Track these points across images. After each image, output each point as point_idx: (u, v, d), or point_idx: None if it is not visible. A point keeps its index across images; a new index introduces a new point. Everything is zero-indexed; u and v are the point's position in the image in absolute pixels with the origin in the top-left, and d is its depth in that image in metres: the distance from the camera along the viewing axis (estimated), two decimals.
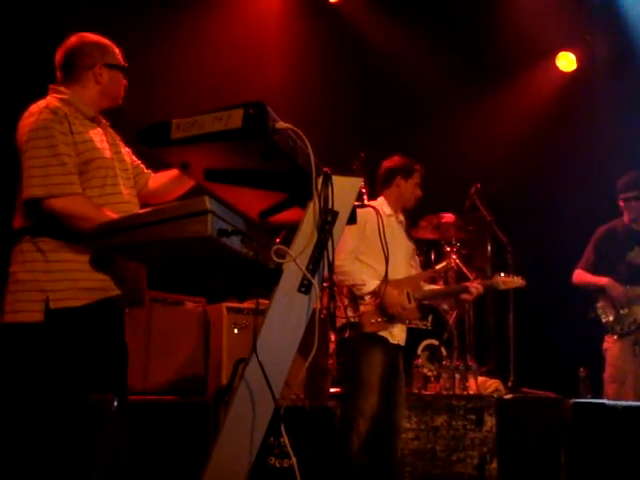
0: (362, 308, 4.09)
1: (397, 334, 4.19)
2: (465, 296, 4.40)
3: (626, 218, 5.09)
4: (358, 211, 4.25)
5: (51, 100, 2.76)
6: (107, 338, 2.73)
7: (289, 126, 2.21)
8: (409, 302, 4.17)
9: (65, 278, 2.63)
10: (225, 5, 6.18)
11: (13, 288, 2.69)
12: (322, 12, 6.68)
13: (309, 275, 2.35)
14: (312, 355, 2.32)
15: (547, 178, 7.02)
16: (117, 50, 2.94)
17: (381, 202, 4.33)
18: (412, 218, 6.00)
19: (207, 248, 2.24)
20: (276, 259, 2.29)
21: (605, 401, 1.66)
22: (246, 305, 4.47)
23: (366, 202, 5.06)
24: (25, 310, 2.63)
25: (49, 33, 3.20)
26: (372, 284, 4.05)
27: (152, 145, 2.24)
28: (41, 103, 2.74)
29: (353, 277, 4.09)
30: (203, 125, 2.16)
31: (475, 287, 4.40)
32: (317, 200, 2.41)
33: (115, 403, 1.85)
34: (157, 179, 3.03)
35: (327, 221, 2.44)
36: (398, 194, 4.34)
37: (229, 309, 4.45)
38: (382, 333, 4.14)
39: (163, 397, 4.17)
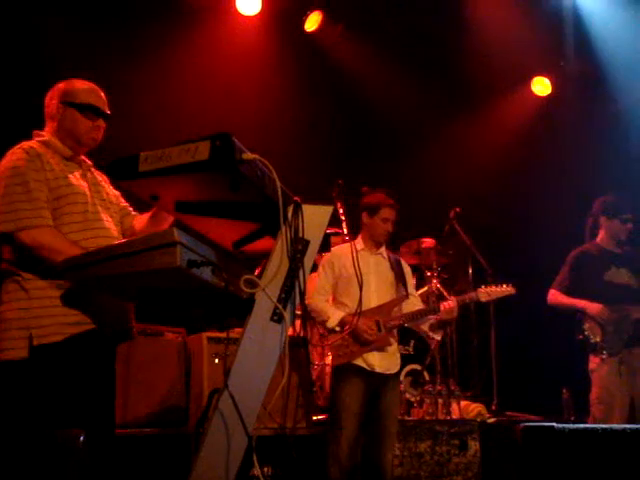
0: (331, 341, 4.28)
1: (376, 362, 4.22)
2: (439, 316, 4.42)
3: (602, 239, 5.12)
4: (332, 250, 4.40)
5: (28, 142, 2.85)
6: (92, 371, 2.74)
7: (256, 157, 2.24)
8: (379, 330, 4.24)
9: (47, 314, 2.67)
10: (200, 36, 6.22)
11: (1, 327, 2.73)
12: (298, 41, 6.74)
13: (278, 304, 2.36)
14: (283, 383, 2.33)
15: (525, 200, 7.09)
16: (91, 93, 2.96)
17: (359, 238, 4.47)
18: (392, 244, 6.05)
19: (178, 279, 2.25)
20: (245, 289, 2.30)
21: (554, 424, 1.67)
22: (226, 334, 4.46)
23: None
24: (11, 348, 2.67)
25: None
26: (335, 318, 4.22)
27: (120, 177, 2.26)
28: (17, 145, 2.82)
29: (319, 313, 4.29)
30: (170, 157, 2.18)
31: (445, 306, 4.42)
32: (287, 229, 2.43)
33: (82, 438, 1.85)
34: (141, 219, 3.07)
35: (298, 250, 2.46)
36: (366, 230, 4.44)
37: (209, 339, 4.45)
38: (357, 362, 4.19)
39: (143, 430, 4.15)
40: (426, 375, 5.63)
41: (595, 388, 4.93)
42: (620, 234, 5.05)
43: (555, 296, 5.11)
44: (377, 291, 4.33)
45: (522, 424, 1.75)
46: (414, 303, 4.51)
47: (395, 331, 4.42)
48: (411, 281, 4.63)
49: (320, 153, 6.60)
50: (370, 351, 4.22)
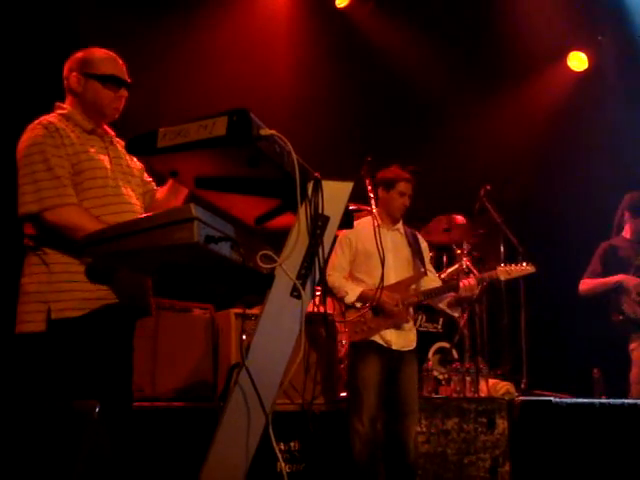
0: (348, 317, 4.28)
1: (393, 339, 4.22)
2: (457, 294, 4.39)
3: (627, 233, 5.10)
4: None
5: (48, 116, 2.83)
6: (110, 346, 2.76)
7: (274, 132, 2.23)
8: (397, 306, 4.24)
9: (66, 289, 2.69)
10: (232, 12, 6.21)
11: (21, 299, 2.77)
12: (330, 17, 6.69)
13: (296, 281, 2.36)
14: (299, 358, 2.33)
15: (559, 178, 6.98)
16: (111, 62, 2.93)
17: (375, 213, 4.40)
18: (422, 221, 6.01)
19: (196, 255, 2.26)
20: (262, 264, 2.30)
21: (552, 398, 1.65)
22: (254, 311, 4.48)
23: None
24: (30, 320, 2.70)
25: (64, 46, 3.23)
26: (354, 293, 4.22)
27: (140, 153, 2.27)
28: (36, 120, 2.81)
29: (337, 289, 4.29)
30: (188, 133, 2.18)
31: (464, 283, 4.38)
32: (306, 205, 2.42)
33: (97, 409, 1.88)
34: (161, 192, 3.06)
35: (317, 226, 2.46)
36: (383, 205, 4.41)
37: (238, 315, 4.48)
38: (374, 339, 4.21)
39: (171, 403, 4.20)
40: (454, 353, 5.61)
41: (635, 367, 4.88)
42: None
43: (587, 283, 5.11)
44: (395, 267, 4.32)
45: (519, 398, 1.73)
46: (432, 280, 4.49)
47: (412, 308, 4.41)
48: (428, 257, 4.61)
49: (350, 130, 6.55)
50: (387, 328, 4.21)
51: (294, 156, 2.30)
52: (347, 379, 4.38)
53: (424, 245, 4.57)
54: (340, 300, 4.35)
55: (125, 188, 2.89)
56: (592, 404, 1.54)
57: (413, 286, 4.38)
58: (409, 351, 4.31)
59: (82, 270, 2.69)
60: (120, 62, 2.96)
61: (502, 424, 4.91)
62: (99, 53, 2.94)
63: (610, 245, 5.18)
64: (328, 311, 4.42)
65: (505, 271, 4.55)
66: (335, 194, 2.55)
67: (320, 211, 2.47)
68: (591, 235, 5.53)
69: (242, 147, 2.18)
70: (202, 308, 4.56)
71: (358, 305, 4.23)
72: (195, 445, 3.99)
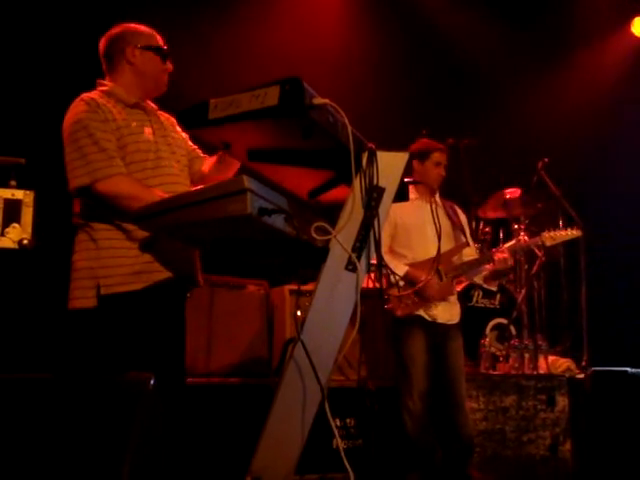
0: (392, 293, 4.17)
1: (439, 313, 4.16)
2: (493, 266, 4.28)
3: None
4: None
5: (89, 93, 2.83)
6: (161, 321, 2.77)
7: (327, 102, 2.17)
8: (441, 279, 4.16)
9: (114, 264, 2.70)
10: None
11: (73, 276, 2.79)
12: None
13: (352, 253, 2.32)
14: (354, 333, 2.29)
15: (619, 151, 6.75)
16: (156, 36, 2.95)
17: (411, 187, 4.33)
18: (479, 196, 5.89)
19: (250, 228, 2.23)
20: (316, 236, 2.26)
21: (627, 369, 1.57)
22: (308, 287, 4.47)
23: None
24: (80, 297, 2.72)
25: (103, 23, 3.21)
26: (399, 270, 4.11)
27: (191, 126, 2.24)
28: (78, 98, 2.81)
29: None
30: (240, 104, 2.14)
31: (499, 255, 4.28)
32: (361, 177, 2.37)
33: (152, 382, 1.87)
34: (209, 162, 3.04)
35: (372, 198, 2.40)
36: (419, 178, 4.33)
37: (291, 292, 4.47)
38: (419, 313, 4.14)
39: (226, 379, 4.22)
40: (512, 329, 5.51)
41: None
42: None
43: None
44: (435, 240, 4.22)
45: (591, 368, 1.66)
46: (469, 253, 4.40)
47: (455, 280, 4.33)
48: (468, 229, 4.52)
49: (407, 102, 6.45)
50: (432, 301, 4.13)
51: (349, 126, 2.25)
52: (394, 356, 4.29)
53: (463, 217, 4.50)
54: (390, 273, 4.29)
55: (168, 160, 2.87)
56: None
57: (455, 257, 4.29)
58: (454, 325, 4.24)
59: (129, 245, 2.70)
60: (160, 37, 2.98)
61: (562, 401, 4.81)
62: (143, 28, 2.95)
63: None
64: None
65: (550, 237, 4.45)
66: (390, 165, 2.49)
67: (375, 182, 2.41)
68: None
69: (295, 117, 2.13)
70: (256, 284, 4.56)
71: (402, 283, 4.14)
72: (250, 421, 4.01)
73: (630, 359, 5.54)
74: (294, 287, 4.46)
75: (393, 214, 4.24)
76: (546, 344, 5.47)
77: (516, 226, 5.80)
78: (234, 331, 4.39)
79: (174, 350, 2.84)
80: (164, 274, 2.73)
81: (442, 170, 4.33)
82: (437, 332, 4.16)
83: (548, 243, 4.46)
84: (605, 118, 6.83)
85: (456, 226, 4.34)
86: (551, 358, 5.42)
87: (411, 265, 4.16)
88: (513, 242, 4.65)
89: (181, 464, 2.70)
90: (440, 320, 4.17)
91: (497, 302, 5.46)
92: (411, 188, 4.34)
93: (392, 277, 4.16)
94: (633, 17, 7.14)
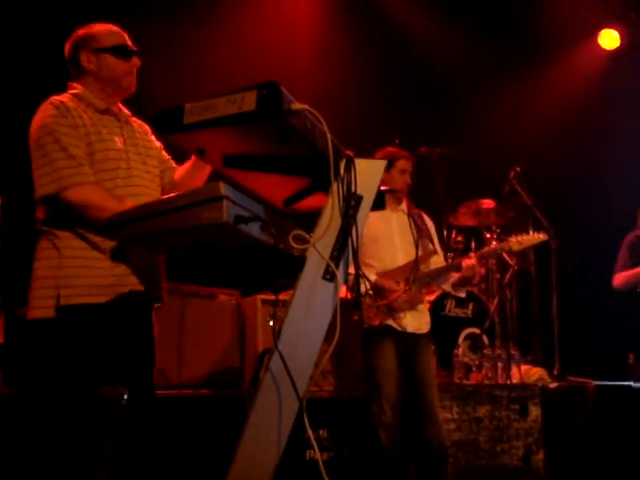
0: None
1: (408, 323, 4.11)
2: (461, 273, 4.27)
3: None
4: None
5: (59, 96, 2.74)
6: (125, 334, 2.67)
7: (306, 107, 2.12)
8: (408, 288, 4.11)
9: (76, 274, 2.61)
10: None
11: (32, 285, 2.70)
12: None
13: (330, 262, 2.27)
14: (334, 344, 2.24)
15: (589, 159, 6.82)
16: (115, 33, 2.83)
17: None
18: (451, 205, 5.90)
19: (225, 236, 2.17)
20: (295, 245, 2.21)
21: (631, 383, 1.55)
22: (281, 297, 4.41)
23: None
24: (39, 306, 2.63)
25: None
26: (371, 276, 4.08)
27: (165, 131, 2.18)
28: (47, 100, 2.72)
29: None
30: (216, 108, 2.08)
31: (467, 262, 4.26)
32: (339, 184, 2.33)
33: (125, 396, 1.80)
34: (181, 169, 2.97)
35: (350, 206, 2.36)
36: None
37: (264, 301, 4.42)
38: (388, 323, 4.10)
39: (198, 391, 4.14)
40: (485, 339, 5.50)
41: None
42: None
43: (620, 277, 5.04)
44: (403, 249, 4.20)
45: (594, 383, 1.63)
46: (437, 261, 4.38)
47: (424, 289, 4.30)
48: (436, 237, 4.50)
49: (378, 111, 6.44)
50: (401, 311, 4.10)
51: (327, 132, 2.20)
52: (364, 366, 4.24)
53: (431, 225, 4.47)
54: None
55: (139, 170, 2.79)
56: None
57: (423, 266, 4.27)
58: (424, 335, 4.20)
59: (96, 256, 2.62)
60: (122, 32, 2.86)
61: (535, 411, 4.81)
62: (101, 27, 2.84)
63: (637, 236, 5.09)
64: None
65: (517, 241, 4.43)
66: (368, 173, 2.45)
67: (353, 190, 2.37)
68: (624, 219, 5.39)
69: (272, 123, 2.08)
70: (228, 294, 4.50)
71: (371, 292, 4.09)
72: (222, 433, 3.94)
73: (600, 368, 5.59)
74: (266, 297, 4.41)
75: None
76: (518, 353, 5.47)
77: (488, 235, 5.82)
78: (205, 341, 4.33)
79: (140, 364, 2.74)
80: (130, 287, 2.65)
81: (408, 178, 4.28)
82: (407, 342, 4.11)
83: (515, 248, 4.44)
84: (574, 127, 6.89)
85: (423, 234, 4.31)
86: (524, 367, 5.43)
87: (379, 275, 4.12)
88: (499, 245, 4.63)
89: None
90: (410, 330, 4.12)
91: (470, 311, 5.46)
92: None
93: (363, 286, 4.14)
94: (600, 29, 7.24)
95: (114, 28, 2.85)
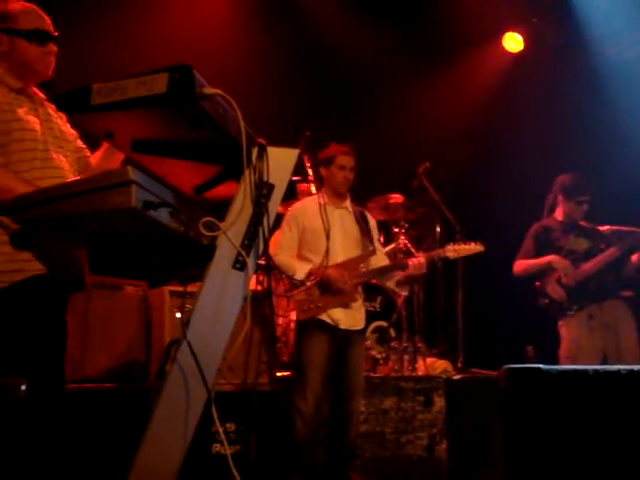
0: (296, 297, 4.21)
1: (342, 318, 4.14)
2: (406, 272, 4.33)
3: (560, 215, 5.12)
4: (296, 205, 4.33)
5: None
6: (37, 321, 2.57)
7: (219, 92, 2.09)
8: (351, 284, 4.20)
9: None
10: None
11: None
12: None
13: (241, 250, 2.24)
14: (245, 331, 2.21)
15: (494, 158, 7.00)
16: (31, 15, 2.70)
17: (321, 193, 4.36)
18: (360, 200, 5.94)
19: (133, 222, 2.12)
20: (205, 232, 2.17)
21: (541, 366, 1.60)
22: (190, 289, 4.33)
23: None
24: None
25: None
26: (303, 271, 4.13)
27: (72, 111, 2.10)
28: None
29: (286, 268, 4.20)
30: (126, 90, 2.03)
31: (413, 262, 4.33)
32: (251, 172, 2.30)
33: (23, 387, 1.72)
34: (95, 155, 2.87)
35: (262, 194, 2.34)
36: (327, 183, 4.34)
37: (172, 293, 4.32)
38: (322, 317, 4.13)
39: (101, 385, 4.02)
40: (392, 332, 5.58)
41: (564, 343, 4.94)
42: (575, 215, 5.08)
43: (521, 264, 5.13)
44: (343, 246, 4.24)
45: (505, 366, 1.67)
46: (380, 259, 4.42)
47: (361, 287, 4.34)
48: (377, 236, 4.54)
49: (291, 105, 6.42)
50: (336, 307, 4.13)
51: (240, 118, 2.18)
52: (293, 357, 4.29)
53: (373, 223, 4.50)
54: (290, 278, 4.29)
55: (56, 153, 2.68)
56: (585, 371, 1.49)
57: (362, 265, 4.31)
58: (357, 331, 4.23)
59: (4, 239, 2.47)
60: (42, 13, 2.73)
61: (439, 402, 4.90)
62: (18, 5, 2.71)
63: (542, 226, 5.19)
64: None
65: (453, 250, 4.51)
66: (280, 162, 2.44)
67: (265, 179, 2.35)
68: (526, 216, 5.54)
69: (184, 107, 2.04)
70: (135, 285, 4.38)
71: (308, 283, 4.13)
72: (127, 428, 3.84)
73: (501, 360, 5.75)
74: (174, 288, 4.32)
75: (302, 218, 4.25)
76: (424, 346, 5.57)
77: (396, 229, 5.89)
78: (110, 334, 4.20)
79: (50, 356, 2.64)
80: (44, 273, 2.54)
81: (347, 173, 4.30)
82: (339, 337, 4.14)
83: (451, 255, 4.52)
84: (480, 126, 7.07)
85: (364, 232, 4.33)
86: (429, 360, 5.53)
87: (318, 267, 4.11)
88: (437, 251, 4.64)
89: (57, 475, 2.53)
90: (343, 325, 4.16)
91: (378, 305, 5.51)
92: (321, 193, 4.34)
93: (295, 278, 4.15)
94: (504, 32, 7.45)
95: (31, 8, 2.72)
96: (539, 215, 5.43)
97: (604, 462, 1.61)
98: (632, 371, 1.59)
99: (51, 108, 2.79)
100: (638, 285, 5.12)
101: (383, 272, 4.36)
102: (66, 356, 2.81)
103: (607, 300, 4.86)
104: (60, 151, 2.72)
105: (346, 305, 4.16)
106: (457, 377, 5.27)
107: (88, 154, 2.89)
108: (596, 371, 1.60)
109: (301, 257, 4.24)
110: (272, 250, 4.36)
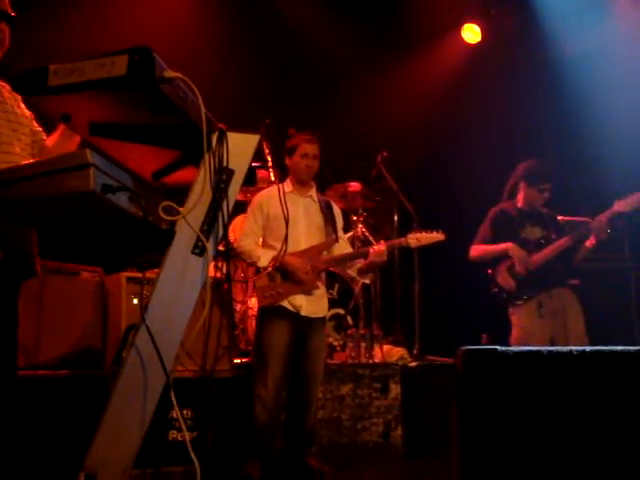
0: (257, 283, 4.22)
1: (303, 305, 4.14)
2: (367, 260, 4.35)
3: (520, 201, 5.14)
4: (261, 193, 4.32)
5: None
6: None
7: (179, 75, 2.07)
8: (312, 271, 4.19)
9: None
10: None
11: None
12: None
13: (201, 234, 2.23)
14: (204, 317, 2.21)
15: (451, 147, 7.07)
16: None
17: (287, 181, 4.38)
18: (319, 187, 5.95)
19: (91, 206, 2.09)
20: (164, 216, 2.16)
21: (497, 347, 1.63)
22: (148, 275, 4.30)
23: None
24: None
25: None
26: (266, 258, 4.14)
27: (27, 92, 2.06)
28: None
29: (249, 255, 4.21)
30: (84, 72, 2.00)
31: (374, 249, 4.35)
32: (210, 157, 2.29)
33: None
34: (51, 138, 2.83)
35: (222, 180, 2.33)
36: (291, 172, 4.34)
37: (129, 279, 4.28)
38: (283, 304, 4.13)
39: (56, 371, 3.97)
40: (349, 319, 5.61)
41: (514, 330, 4.99)
42: (535, 202, 5.10)
43: (478, 249, 5.13)
44: (306, 234, 4.25)
45: (462, 347, 1.69)
46: (343, 247, 4.44)
47: (323, 275, 4.36)
48: (341, 224, 4.56)
49: (251, 92, 6.40)
50: (297, 293, 4.14)
51: (201, 103, 2.16)
52: (254, 344, 4.29)
53: (337, 212, 4.50)
54: (252, 265, 4.31)
55: (9, 137, 2.64)
56: (540, 352, 1.52)
57: (324, 252, 4.32)
58: (318, 318, 4.24)
59: None
60: None
61: (395, 389, 4.96)
62: None
63: (500, 210, 5.19)
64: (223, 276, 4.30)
65: (415, 238, 4.51)
66: (240, 147, 2.43)
67: (225, 164, 2.34)
68: (483, 205, 5.60)
69: (143, 90, 2.02)
70: (91, 271, 4.33)
71: (268, 269, 4.12)
72: (83, 415, 3.80)
73: (457, 348, 5.83)
74: (131, 274, 4.28)
75: (267, 205, 4.23)
76: (381, 334, 5.62)
77: (354, 217, 5.92)
78: (66, 320, 4.15)
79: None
80: None
81: (310, 161, 4.27)
82: (300, 323, 4.14)
83: (413, 244, 4.53)
84: (438, 115, 7.12)
85: (329, 221, 4.34)
86: (386, 347, 5.58)
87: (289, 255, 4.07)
88: (398, 239, 4.66)
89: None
90: (304, 312, 4.15)
91: (335, 292, 5.54)
92: (287, 181, 4.34)
93: (258, 264, 4.16)
94: (463, 24, 7.51)
95: None
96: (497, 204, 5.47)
97: (559, 441, 1.65)
98: (584, 351, 1.63)
99: (5, 89, 2.73)
100: (585, 274, 5.21)
101: (345, 260, 4.38)
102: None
103: (555, 288, 4.94)
104: (14, 135, 2.68)
105: (308, 292, 4.17)
106: (413, 364, 5.33)
107: (44, 137, 2.85)
108: (550, 352, 1.64)
109: (266, 245, 4.24)
110: (237, 237, 4.37)
